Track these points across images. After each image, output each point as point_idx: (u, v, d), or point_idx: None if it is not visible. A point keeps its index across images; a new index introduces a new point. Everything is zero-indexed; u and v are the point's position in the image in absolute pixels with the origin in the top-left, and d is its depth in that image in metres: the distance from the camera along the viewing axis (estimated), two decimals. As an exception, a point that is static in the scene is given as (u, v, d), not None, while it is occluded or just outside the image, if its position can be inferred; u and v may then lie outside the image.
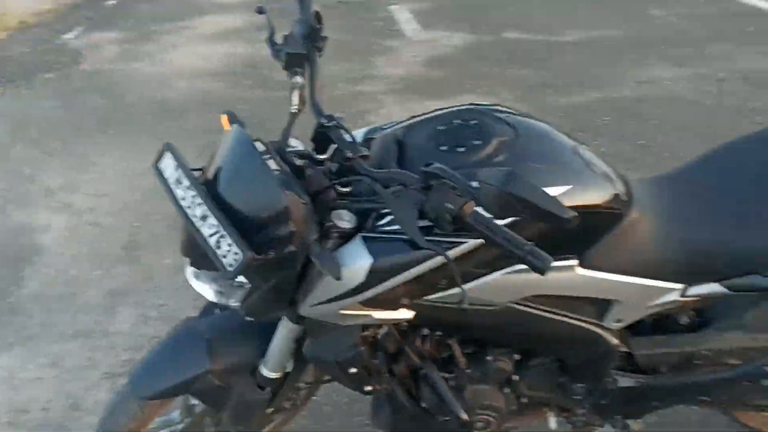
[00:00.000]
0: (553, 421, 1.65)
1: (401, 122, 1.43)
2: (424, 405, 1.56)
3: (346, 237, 1.25)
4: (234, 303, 1.31)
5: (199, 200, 1.18)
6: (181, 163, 1.24)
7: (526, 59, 4.96)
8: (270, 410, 1.63)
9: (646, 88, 4.35)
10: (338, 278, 1.16)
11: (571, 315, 1.38)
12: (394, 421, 1.62)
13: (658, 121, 3.86)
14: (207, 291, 1.33)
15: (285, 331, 1.45)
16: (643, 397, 1.55)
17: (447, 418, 1.57)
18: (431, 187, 1.05)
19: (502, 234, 1.01)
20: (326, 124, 1.29)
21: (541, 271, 0.98)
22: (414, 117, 1.43)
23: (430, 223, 1.06)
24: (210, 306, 1.59)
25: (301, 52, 1.33)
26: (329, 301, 1.27)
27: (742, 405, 1.69)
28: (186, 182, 1.21)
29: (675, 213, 1.41)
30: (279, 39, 1.39)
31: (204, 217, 1.17)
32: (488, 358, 1.49)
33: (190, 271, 1.34)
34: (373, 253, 1.22)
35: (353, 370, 1.41)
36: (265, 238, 1.16)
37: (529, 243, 0.98)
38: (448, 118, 1.37)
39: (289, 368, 1.56)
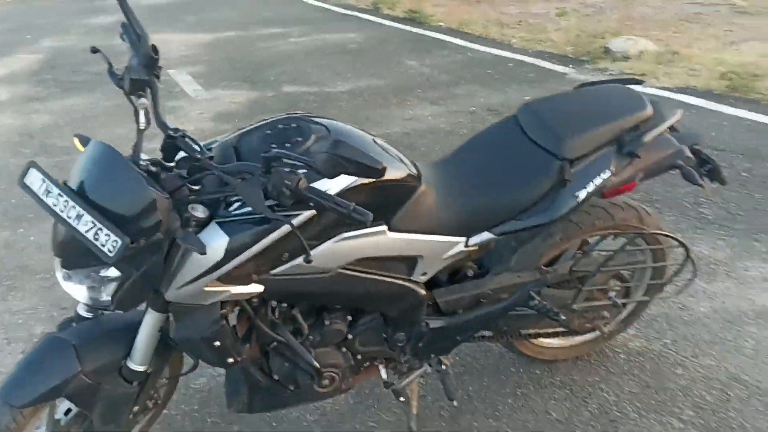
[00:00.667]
0: (383, 372, 2.00)
1: (233, 133, 1.73)
2: (276, 377, 1.83)
3: (202, 225, 1.51)
4: (106, 297, 1.50)
5: (71, 203, 1.38)
6: (46, 175, 1.42)
7: (307, 108, 5.43)
8: (135, 409, 1.79)
9: (412, 123, 5.02)
10: (203, 252, 1.41)
11: (387, 274, 1.76)
12: (250, 399, 1.86)
13: (425, 148, 4.51)
14: (78, 290, 1.51)
15: (150, 321, 1.64)
16: (449, 334, 1.97)
17: (297, 388, 1.85)
18: (271, 169, 1.37)
19: (331, 199, 1.35)
20: (174, 135, 1.54)
21: (364, 223, 1.34)
22: (242, 128, 1.73)
23: (273, 202, 1.37)
24: (67, 321, 1.72)
25: (143, 77, 1.55)
26: (193, 280, 1.51)
27: (518, 335, 2.19)
28: (55, 190, 1.40)
29: (451, 184, 1.87)
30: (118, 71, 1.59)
31: (79, 216, 1.37)
32: (326, 322, 1.81)
33: (60, 274, 1.50)
34: (228, 232, 1.50)
35: (217, 343, 1.65)
36: (135, 229, 1.38)
37: (351, 203, 1.33)
38: (272, 124, 1.69)
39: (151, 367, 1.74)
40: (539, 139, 1.93)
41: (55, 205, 1.39)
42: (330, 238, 1.61)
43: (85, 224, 1.36)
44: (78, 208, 1.37)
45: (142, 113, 1.54)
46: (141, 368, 1.69)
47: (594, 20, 8.27)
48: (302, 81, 6.29)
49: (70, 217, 1.38)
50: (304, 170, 1.37)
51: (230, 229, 1.50)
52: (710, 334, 2.53)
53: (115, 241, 1.34)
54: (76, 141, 1.58)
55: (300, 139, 1.60)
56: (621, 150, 1.92)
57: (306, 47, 7.69)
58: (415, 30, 8.39)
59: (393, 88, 5.95)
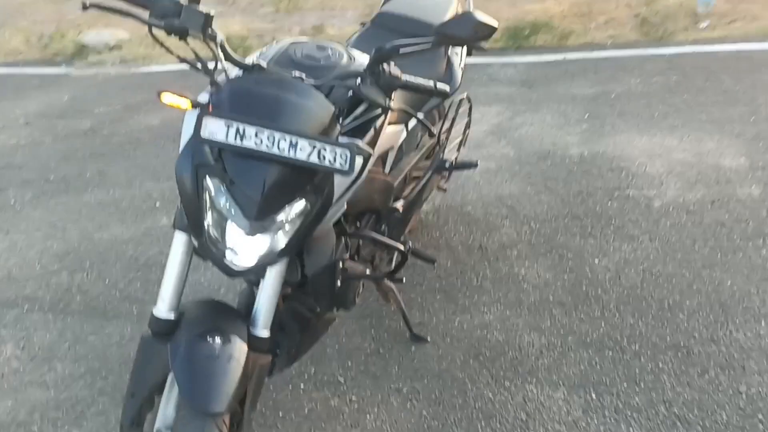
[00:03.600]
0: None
1: (265, 53, 1.76)
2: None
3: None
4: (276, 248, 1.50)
5: (278, 135, 1.37)
6: (229, 119, 1.36)
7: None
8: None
9: None
10: (369, 156, 1.60)
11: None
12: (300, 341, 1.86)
13: None
14: (263, 242, 1.48)
15: (271, 278, 1.59)
16: (406, 214, 2.29)
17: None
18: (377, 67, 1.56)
19: (423, 82, 1.58)
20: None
21: (447, 95, 1.64)
22: (276, 46, 1.78)
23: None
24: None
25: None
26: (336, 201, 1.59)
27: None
28: (251, 130, 1.36)
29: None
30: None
31: (294, 145, 1.37)
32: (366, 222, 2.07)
33: (240, 236, 1.46)
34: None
35: (341, 265, 1.78)
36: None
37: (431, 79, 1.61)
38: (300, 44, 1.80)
39: None
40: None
41: (257, 146, 1.37)
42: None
43: (303, 150, 1.37)
44: (289, 137, 1.37)
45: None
46: (267, 333, 1.60)
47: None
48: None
49: (282, 150, 1.37)
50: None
51: (353, 139, 1.60)
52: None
53: (343, 153, 1.38)
54: (174, 99, 1.53)
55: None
56: None
57: None
58: None
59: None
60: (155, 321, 1.58)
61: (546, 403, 2.08)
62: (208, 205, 1.47)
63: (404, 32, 2.29)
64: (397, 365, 2.28)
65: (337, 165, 1.40)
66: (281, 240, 1.50)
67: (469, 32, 1.48)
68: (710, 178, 3.14)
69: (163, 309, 1.59)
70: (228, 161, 1.43)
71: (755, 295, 2.39)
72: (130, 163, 3.88)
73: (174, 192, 1.54)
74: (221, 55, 1.55)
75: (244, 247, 1.49)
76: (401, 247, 1.98)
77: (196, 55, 1.57)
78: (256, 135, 1.37)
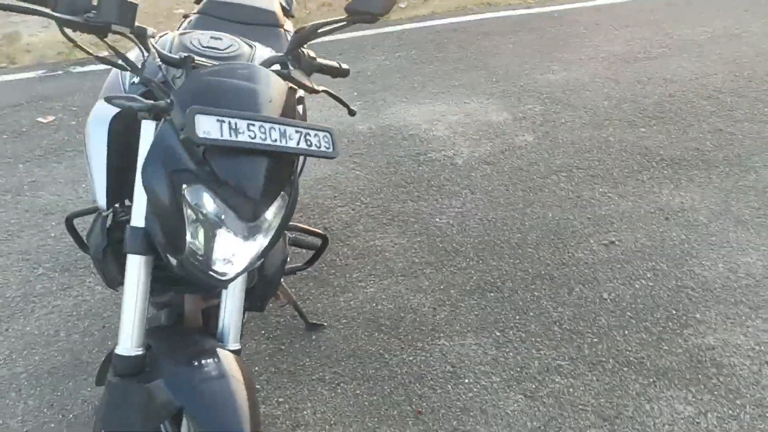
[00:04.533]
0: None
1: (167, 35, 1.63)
2: None
3: None
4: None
5: (269, 125, 1.26)
6: (217, 113, 1.22)
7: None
8: None
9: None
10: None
11: None
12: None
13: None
14: (253, 247, 1.35)
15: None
16: None
17: None
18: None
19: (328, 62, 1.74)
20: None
21: (348, 73, 1.79)
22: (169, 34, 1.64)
23: None
24: None
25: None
26: None
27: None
28: (243, 123, 1.24)
29: None
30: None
31: (283, 134, 1.27)
32: None
33: (237, 241, 1.31)
34: None
35: None
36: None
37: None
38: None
39: None
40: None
41: (252, 138, 1.24)
42: None
43: (292, 138, 1.28)
44: (278, 126, 1.27)
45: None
46: (239, 346, 1.49)
47: None
48: None
49: (275, 140, 1.26)
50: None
51: None
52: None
53: (325, 135, 1.32)
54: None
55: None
56: None
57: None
58: None
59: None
60: (122, 360, 1.35)
61: (462, 351, 2.22)
62: (191, 216, 1.30)
63: (236, 19, 2.24)
64: (308, 357, 2.23)
65: (323, 149, 1.34)
66: (266, 240, 1.39)
67: (379, 6, 1.52)
68: (489, 132, 3.57)
69: (129, 346, 1.37)
70: (216, 162, 1.26)
71: (574, 220, 2.83)
72: None
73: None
74: (154, 51, 1.37)
75: (238, 253, 1.35)
76: (322, 233, 1.94)
77: (118, 52, 1.36)
78: (248, 128, 1.25)
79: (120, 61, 1.37)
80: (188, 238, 1.30)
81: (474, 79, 4.22)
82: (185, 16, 2.40)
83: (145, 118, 1.36)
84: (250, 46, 1.69)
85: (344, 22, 1.52)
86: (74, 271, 2.67)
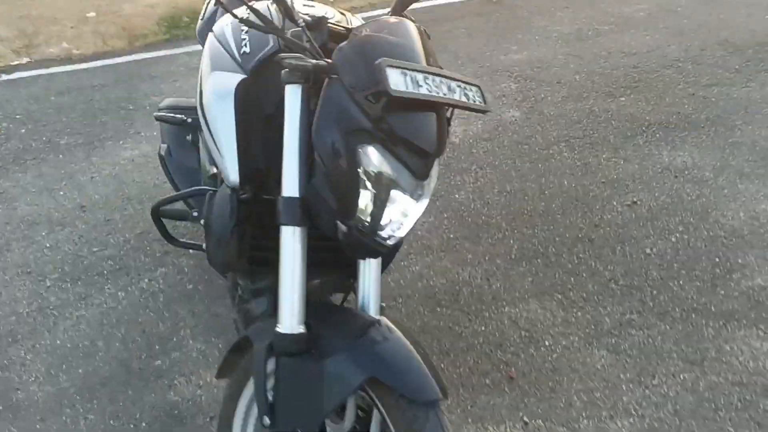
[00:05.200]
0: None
1: None
2: None
3: None
4: None
5: (438, 78, 1.22)
6: (402, 66, 1.19)
7: None
8: None
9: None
10: None
11: None
12: None
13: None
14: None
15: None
16: None
17: None
18: None
19: None
20: None
21: None
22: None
23: None
24: None
25: None
26: None
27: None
28: (420, 76, 1.20)
29: None
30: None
31: (450, 88, 1.23)
32: None
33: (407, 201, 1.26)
34: None
35: None
36: None
37: None
38: None
39: None
40: None
41: (430, 91, 1.20)
42: None
43: (455, 91, 1.24)
44: (444, 80, 1.23)
45: None
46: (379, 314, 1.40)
47: None
48: None
49: (446, 95, 1.22)
50: None
51: None
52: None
53: (477, 89, 1.29)
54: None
55: None
56: None
57: None
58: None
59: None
60: (285, 339, 1.27)
61: (530, 316, 2.21)
62: (365, 178, 1.21)
63: None
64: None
65: (478, 103, 1.29)
66: (427, 200, 1.33)
67: None
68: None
69: (293, 323, 1.27)
70: (395, 118, 1.20)
71: (590, 185, 2.89)
72: None
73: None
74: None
75: (409, 213, 1.28)
76: None
77: (262, 16, 1.26)
78: (425, 81, 1.21)
79: (262, 24, 1.26)
80: (360, 201, 1.22)
81: (445, 61, 4.21)
82: None
83: (291, 82, 1.26)
84: (342, 14, 1.64)
85: None
86: (87, 279, 2.44)
